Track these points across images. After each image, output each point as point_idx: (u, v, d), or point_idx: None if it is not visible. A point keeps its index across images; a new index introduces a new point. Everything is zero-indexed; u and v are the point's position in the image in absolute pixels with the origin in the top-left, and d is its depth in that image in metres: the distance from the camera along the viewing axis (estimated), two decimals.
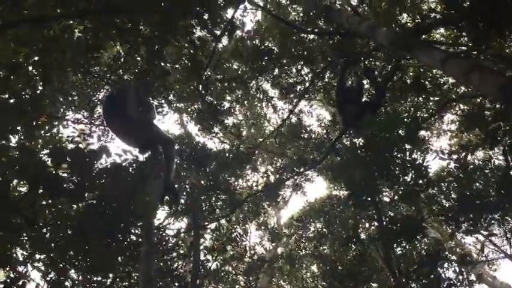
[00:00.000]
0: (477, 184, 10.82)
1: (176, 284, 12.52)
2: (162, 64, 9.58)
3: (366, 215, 12.73)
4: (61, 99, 11.14)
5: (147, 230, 7.69)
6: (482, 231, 11.67)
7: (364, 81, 11.51)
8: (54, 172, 7.25)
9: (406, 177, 9.90)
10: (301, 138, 15.15)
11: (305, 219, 16.50)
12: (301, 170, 14.94)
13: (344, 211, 14.75)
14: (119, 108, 8.51)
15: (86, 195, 7.82)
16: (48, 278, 11.76)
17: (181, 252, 15.24)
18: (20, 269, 11.55)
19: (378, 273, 13.87)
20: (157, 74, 9.42)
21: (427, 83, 12.46)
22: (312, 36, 12.49)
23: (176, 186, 10.67)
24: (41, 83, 8.87)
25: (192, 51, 9.89)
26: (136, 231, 9.06)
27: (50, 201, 10.73)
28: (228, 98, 14.75)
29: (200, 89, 12.54)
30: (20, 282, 10.99)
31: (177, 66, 10.70)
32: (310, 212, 16.32)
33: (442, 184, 11.45)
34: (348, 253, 14.09)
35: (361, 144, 10.40)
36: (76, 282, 12.15)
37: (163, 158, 8.61)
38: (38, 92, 8.99)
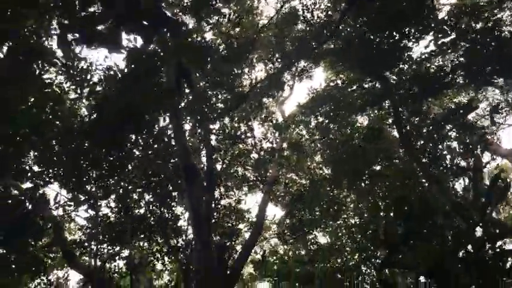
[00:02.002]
0: None
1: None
2: None
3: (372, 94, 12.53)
4: None
5: None
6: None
7: None
8: None
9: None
10: (300, 22, 14.12)
11: (312, 105, 16.11)
12: (301, 59, 14.33)
13: (350, 94, 14.44)
14: None
15: None
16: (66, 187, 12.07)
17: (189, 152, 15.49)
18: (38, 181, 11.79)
19: (385, 153, 14.15)
20: None
21: None
22: None
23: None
24: None
25: None
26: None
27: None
28: None
29: None
30: (41, 191, 11.23)
31: None
32: (316, 98, 15.90)
33: None
34: (355, 135, 14.16)
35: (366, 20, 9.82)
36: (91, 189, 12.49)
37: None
38: None
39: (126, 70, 10.29)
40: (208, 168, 12.88)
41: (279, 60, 14.50)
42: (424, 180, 13.80)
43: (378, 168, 15.50)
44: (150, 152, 13.61)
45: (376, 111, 14.62)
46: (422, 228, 13.13)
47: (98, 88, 12.42)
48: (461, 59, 11.45)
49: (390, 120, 14.18)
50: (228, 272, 11.33)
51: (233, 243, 12.91)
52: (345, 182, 16.53)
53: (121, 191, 12.40)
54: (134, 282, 12.15)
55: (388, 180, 14.95)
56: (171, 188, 13.90)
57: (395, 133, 15.45)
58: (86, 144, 12.33)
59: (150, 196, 13.71)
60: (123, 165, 12.77)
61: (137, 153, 13.60)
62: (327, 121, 14.98)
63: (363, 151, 14.53)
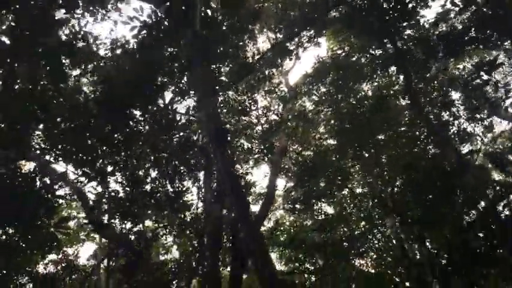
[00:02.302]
0: None
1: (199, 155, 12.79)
2: None
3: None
4: None
5: None
6: None
7: None
8: None
9: None
10: None
11: (318, 74, 15.90)
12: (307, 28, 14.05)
13: (356, 62, 14.25)
14: None
15: None
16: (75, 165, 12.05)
17: (195, 127, 15.44)
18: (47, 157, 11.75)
19: (392, 121, 14.08)
20: None
21: None
22: None
23: None
24: None
25: None
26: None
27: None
28: None
29: None
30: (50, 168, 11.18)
31: None
32: (322, 67, 15.68)
33: None
34: (362, 104, 14.07)
35: None
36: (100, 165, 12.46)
37: None
38: None
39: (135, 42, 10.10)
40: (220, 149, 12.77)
41: (284, 29, 14.23)
42: (430, 147, 13.82)
43: (384, 137, 15.48)
44: (156, 127, 13.55)
45: (383, 79, 14.48)
46: (432, 194, 13.24)
47: (103, 64, 12.28)
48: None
49: (397, 87, 14.05)
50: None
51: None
52: (350, 151, 16.53)
53: (129, 166, 12.36)
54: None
55: (394, 149, 14.97)
56: (177, 162, 13.90)
57: (402, 101, 15.37)
58: (92, 120, 12.28)
59: (158, 171, 13.73)
60: (130, 140, 12.73)
61: (143, 128, 13.56)
62: (333, 90, 14.81)
63: (369, 121, 14.48)
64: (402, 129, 14.52)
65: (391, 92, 13.76)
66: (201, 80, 10.91)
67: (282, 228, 17.54)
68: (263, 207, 13.02)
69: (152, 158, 13.77)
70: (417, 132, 13.89)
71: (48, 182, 11.04)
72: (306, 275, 15.62)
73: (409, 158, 13.46)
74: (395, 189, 14.97)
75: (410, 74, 11.38)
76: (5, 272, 10.69)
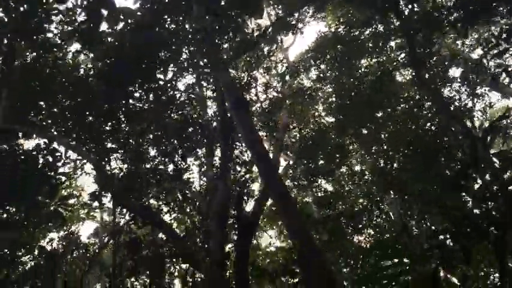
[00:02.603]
0: None
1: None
2: None
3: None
4: None
5: None
6: None
7: None
8: None
9: None
10: None
11: (319, 49, 15.71)
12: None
13: (359, 35, 14.04)
14: None
15: None
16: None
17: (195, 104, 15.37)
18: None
19: (393, 97, 14.05)
20: None
21: None
22: None
23: None
24: None
25: None
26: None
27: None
28: None
29: None
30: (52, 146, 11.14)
31: None
32: (323, 42, 15.48)
33: None
34: (363, 80, 13.98)
35: None
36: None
37: None
38: None
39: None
40: (221, 119, 12.74)
41: (285, 4, 14.00)
42: (433, 122, 13.84)
43: (385, 113, 15.46)
44: (156, 104, 13.46)
45: (386, 54, 14.36)
46: (433, 169, 13.33)
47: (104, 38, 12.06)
48: None
49: (400, 62, 13.94)
50: (246, 220, 11.47)
51: (246, 191, 12.97)
52: (350, 129, 16.54)
53: (131, 143, 12.32)
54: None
55: (395, 125, 14.98)
56: (178, 139, 13.86)
57: (405, 77, 15.31)
58: (93, 97, 12.17)
59: (158, 149, 13.70)
60: (132, 117, 12.66)
61: (144, 106, 13.46)
62: (334, 66, 14.67)
63: (369, 97, 14.43)
64: (404, 105, 14.49)
65: (393, 67, 13.65)
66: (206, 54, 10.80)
67: None
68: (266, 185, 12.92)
69: (152, 135, 13.74)
70: (420, 107, 13.88)
71: (50, 159, 10.99)
72: None
73: (411, 134, 13.50)
74: (396, 165, 15.07)
75: (415, 48, 11.27)
76: (11, 248, 10.73)
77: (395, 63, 13.81)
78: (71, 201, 13.76)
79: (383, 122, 15.57)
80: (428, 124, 13.74)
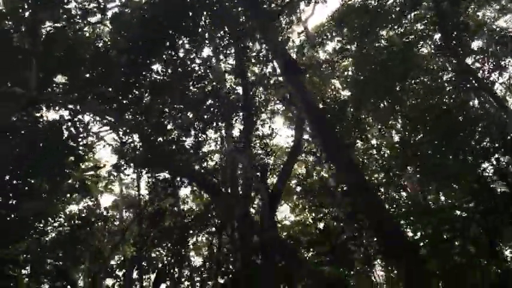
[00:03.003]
0: None
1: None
2: None
3: None
4: None
5: None
6: None
7: None
8: None
9: None
10: None
11: (340, 19, 15.33)
12: None
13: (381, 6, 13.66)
14: None
15: None
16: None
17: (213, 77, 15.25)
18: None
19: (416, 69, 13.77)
20: None
21: None
22: None
23: None
24: None
25: None
26: None
27: None
28: None
29: None
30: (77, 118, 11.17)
31: None
32: (347, 11, 15.09)
33: None
34: (389, 51, 13.67)
35: None
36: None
37: None
38: None
39: None
40: (243, 91, 12.62)
41: None
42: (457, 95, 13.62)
43: (404, 86, 15.19)
44: (175, 77, 13.37)
45: (411, 22, 13.99)
46: (455, 143, 13.18)
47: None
48: None
49: (426, 32, 13.61)
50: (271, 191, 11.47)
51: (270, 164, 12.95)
52: (367, 103, 16.34)
53: (152, 116, 12.30)
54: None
55: (417, 97, 14.75)
56: (197, 112, 13.82)
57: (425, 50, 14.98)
58: (112, 70, 12.10)
59: (175, 123, 13.68)
60: (152, 89, 12.62)
61: (163, 78, 13.38)
62: (357, 36, 14.34)
63: (389, 70, 14.17)
64: (427, 77, 14.21)
65: (418, 37, 13.34)
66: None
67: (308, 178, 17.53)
68: (291, 155, 12.85)
69: (172, 107, 13.70)
70: (442, 79, 13.65)
71: (74, 131, 11.01)
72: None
73: (432, 107, 13.31)
74: (416, 139, 14.89)
75: (442, 16, 10.96)
76: (35, 219, 10.86)
77: (420, 33, 13.47)
78: (91, 173, 13.88)
79: (403, 94, 15.33)
80: (451, 96, 13.50)
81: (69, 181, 11.79)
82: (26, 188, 10.76)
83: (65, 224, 12.72)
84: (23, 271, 9.94)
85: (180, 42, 13.03)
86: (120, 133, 12.12)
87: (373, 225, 8.72)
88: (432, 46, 15.22)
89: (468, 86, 12.14)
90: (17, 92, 9.01)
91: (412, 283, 7.36)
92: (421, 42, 13.99)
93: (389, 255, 8.62)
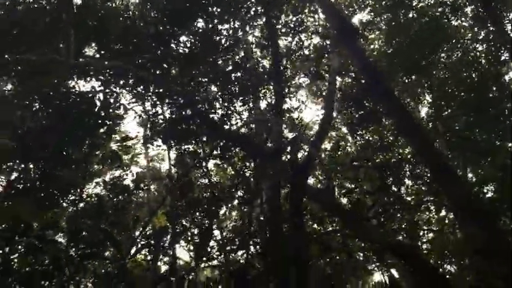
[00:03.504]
0: None
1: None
2: None
3: None
4: None
5: None
6: None
7: None
8: None
9: None
10: None
11: None
12: None
13: None
14: None
15: None
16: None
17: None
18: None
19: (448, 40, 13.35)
20: None
21: None
22: None
23: None
24: None
25: None
26: None
27: None
28: None
29: None
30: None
31: None
32: None
33: None
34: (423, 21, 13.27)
35: None
36: None
37: None
38: None
39: None
40: (273, 62, 12.45)
41: None
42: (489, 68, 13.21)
43: (437, 59, 14.78)
44: (203, 48, 13.28)
45: None
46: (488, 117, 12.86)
47: None
48: None
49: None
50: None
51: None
52: (397, 76, 16.00)
53: (182, 88, 12.31)
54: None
55: (448, 70, 14.36)
56: (225, 85, 13.76)
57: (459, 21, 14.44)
58: (142, 42, 12.10)
59: (201, 96, 13.66)
60: (181, 62, 12.60)
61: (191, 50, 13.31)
62: (389, 4, 13.91)
63: (417, 42, 13.79)
64: (458, 50, 13.79)
65: (457, 5, 12.85)
66: None
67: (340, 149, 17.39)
68: (322, 128, 12.67)
69: (199, 80, 13.66)
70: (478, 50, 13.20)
71: (106, 102, 11.11)
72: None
73: (466, 81, 12.97)
74: (446, 113, 14.59)
75: None
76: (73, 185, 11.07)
77: (453, 4, 12.98)
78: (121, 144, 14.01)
79: (433, 68, 14.94)
80: (485, 68, 13.09)
81: (104, 151, 11.95)
82: (59, 158, 10.98)
83: (102, 191, 12.89)
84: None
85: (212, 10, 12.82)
86: (148, 105, 12.17)
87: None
88: (464, 18, 14.70)
89: (505, 58, 11.72)
90: (57, 60, 9.09)
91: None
92: (459, 12, 13.48)
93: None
